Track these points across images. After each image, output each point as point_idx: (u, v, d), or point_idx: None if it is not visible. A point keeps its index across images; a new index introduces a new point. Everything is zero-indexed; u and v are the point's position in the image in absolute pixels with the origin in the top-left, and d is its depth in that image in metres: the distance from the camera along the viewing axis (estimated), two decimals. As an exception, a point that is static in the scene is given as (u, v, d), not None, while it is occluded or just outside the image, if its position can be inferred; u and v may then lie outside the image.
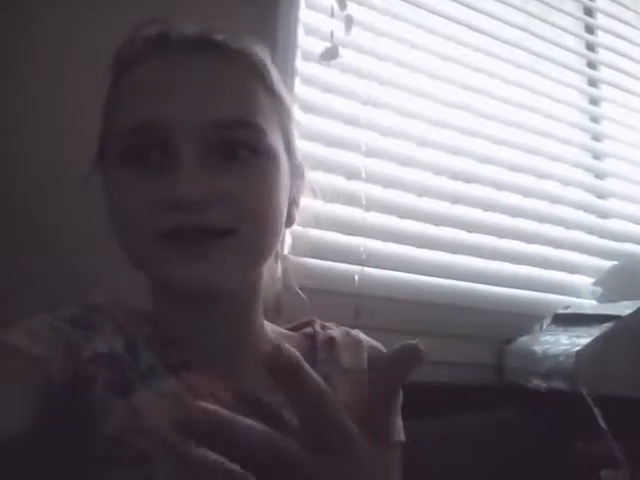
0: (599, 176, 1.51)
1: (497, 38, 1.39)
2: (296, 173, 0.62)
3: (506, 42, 1.40)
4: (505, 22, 1.42)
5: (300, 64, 1.08)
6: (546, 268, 1.32)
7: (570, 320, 1.15)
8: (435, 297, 1.14)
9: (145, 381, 0.52)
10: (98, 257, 0.72)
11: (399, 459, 0.63)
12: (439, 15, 1.31)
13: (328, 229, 1.05)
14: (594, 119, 1.55)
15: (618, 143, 1.55)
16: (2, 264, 0.76)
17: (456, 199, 1.22)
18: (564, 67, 1.50)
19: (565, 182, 1.41)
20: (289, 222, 0.63)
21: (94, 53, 0.57)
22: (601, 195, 1.49)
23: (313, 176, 1.05)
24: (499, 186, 1.30)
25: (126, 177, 0.52)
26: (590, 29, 1.63)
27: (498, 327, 1.18)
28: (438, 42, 1.29)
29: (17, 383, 0.46)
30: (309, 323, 0.68)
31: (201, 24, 0.56)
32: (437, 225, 1.19)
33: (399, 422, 0.64)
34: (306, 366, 0.32)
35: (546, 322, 1.18)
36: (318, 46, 1.09)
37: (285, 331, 0.68)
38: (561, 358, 1.03)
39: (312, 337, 0.65)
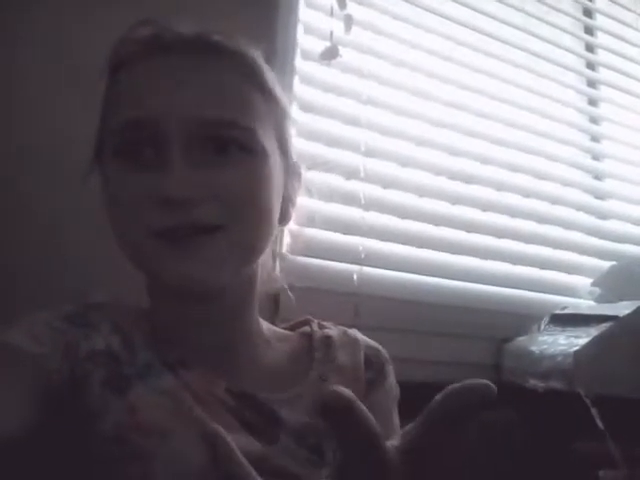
0: (598, 177, 1.51)
1: (496, 38, 1.39)
2: (292, 172, 0.62)
3: (505, 42, 1.41)
4: (504, 22, 1.42)
5: (299, 63, 1.08)
6: (545, 268, 1.32)
7: (568, 320, 1.15)
8: (434, 297, 1.14)
9: (142, 378, 0.52)
10: (98, 257, 0.72)
11: None
12: (439, 15, 1.31)
13: (327, 228, 1.06)
14: (593, 120, 1.55)
15: (617, 144, 1.56)
16: (2, 264, 0.76)
17: (455, 199, 1.23)
18: (563, 68, 1.51)
19: (564, 183, 1.41)
20: (285, 220, 0.63)
21: (94, 53, 0.57)
22: (600, 196, 1.49)
23: (312, 176, 1.06)
24: (498, 186, 1.30)
25: (119, 173, 0.52)
26: (589, 30, 1.63)
27: (496, 327, 1.18)
28: (437, 42, 1.29)
29: (17, 383, 0.47)
30: (306, 322, 0.68)
31: (196, 25, 0.56)
32: (436, 225, 1.19)
33: (397, 418, 0.65)
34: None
35: (544, 322, 1.18)
36: (317, 45, 1.09)
37: (281, 330, 0.68)
38: (559, 358, 1.03)
39: (309, 336, 0.65)
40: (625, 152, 1.55)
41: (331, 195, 1.07)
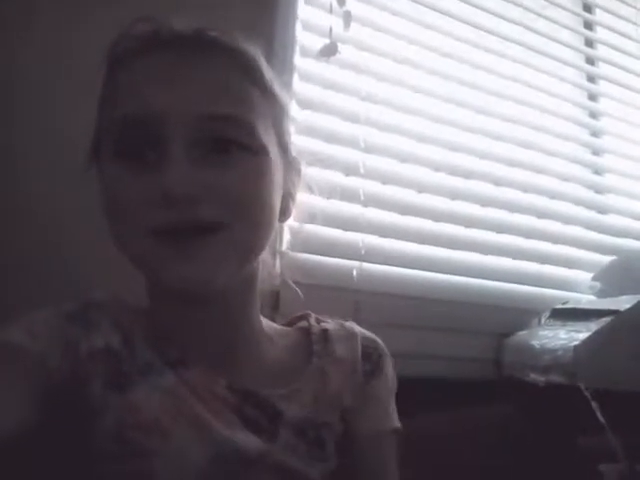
0: (598, 172, 1.51)
1: (495, 34, 1.39)
2: (291, 168, 0.62)
3: (504, 38, 1.41)
4: (503, 18, 1.42)
5: (298, 60, 1.08)
6: (545, 263, 1.32)
7: (568, 315, 1.15)
8: (434, 292, 1.14)
9: (143, 376, 0.52)
10: (98, 257, 0.73)
11: (394, 446, 0.64)
12: (438, 11, 1.31)
13: (327, 225, 1.06)
14: (593, 115, 1.55)
15: (617, 139, 1.55)
16: (2, 264, 0.76)
17: (454, 195, 1.23)
18: (563, 63, 1.50)
19: (564, 178, 1.41)
20: (285, 216, 0.63)
21: (94, 52, 0.57)
22: (600, 190, 1.49)
23: (311, 172, 1.06)
24: (498, 182, 1.30)
25: (118, 172, 0.51)
26: (589, 25, 1.63)
27: (497, 322, 1.18)
28: (437, 38, 1.29)
29: (17, 381, 0.47)
30: (304, 317, 0.69)
31: (194, 22, 0.55)
32: (436, 221, 1.19)
33: (394, 409, 0.66)
34: None
35: (544, 317, 1.19)
36: (316, 42, 1.09)
37: (281, 327, 0.68)
38: (559, 352, 1.03)
39: (306, 330, 0.65)
40: (625, 147, 1.55)
41: (331, 191, 1.06)
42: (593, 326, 1.05)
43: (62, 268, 0.78)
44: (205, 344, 0.57)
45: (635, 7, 1.69)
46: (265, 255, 0.64)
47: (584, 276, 1.35)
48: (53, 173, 0.80)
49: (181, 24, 0.55)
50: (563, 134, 1.45)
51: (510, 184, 1.32)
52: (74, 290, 0.60)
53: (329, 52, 1.08)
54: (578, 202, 1.42)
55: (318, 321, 0.67)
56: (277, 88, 0.59)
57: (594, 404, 0.94)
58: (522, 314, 1.20)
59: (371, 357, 0.65)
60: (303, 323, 0.67)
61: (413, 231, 1.16)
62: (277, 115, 0.59)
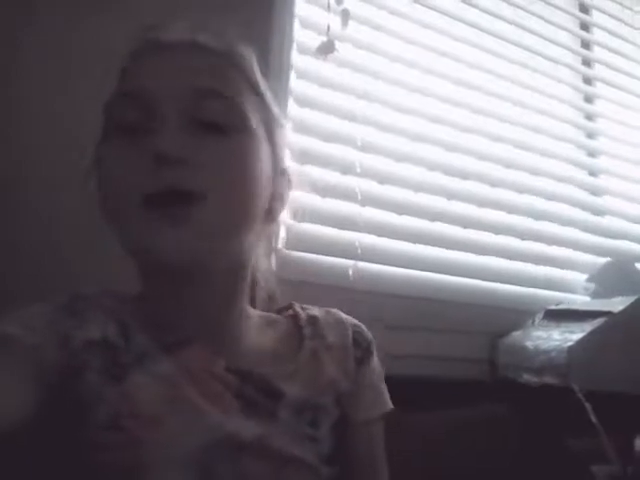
0: (593, 173, 1.52)
1: (493, 34, 1.39)
2: (282, 173, 0.63)
3: (502, 38, 1.41)
4: (501, 18, 1.42)
5: (296, 58, 1.08)
6: (539, 264, 1.32)
7: (562, 316, 1.16)
8: (429, 292, 1.14)
9: (138, 365, 0.53)
10: (98, 257, 0.73)
11: (382, 428, 0.66)
12: (435, 11, 1.31)
13: (323, 224, 1.06)
14: (589, 117, 1.56)
15: (612, 141, 1.56)
16: (2, 264, 0.76)
17: (451, 195, 1.23)
18: (559, 64, 1.51)
19: (559, 179, 1.42)
20: (271, 217, 0.63)
21: (94, 53, 0.58)
22: (595, 192, 1.50)
23: (308, 170, 1.06)
24: (494, 182, 1.30)
25: (111, 147, 0.53)
26: (585, 27, 1.63)
27: (491, 322, 1.18)
28: (434, 38, 1.29)
29: (12, 374, 0.47)
30: (289, 307, 0.69)
31: (191, 27, 0.58)
32: (432, 221, 1.19)
33: (385, 394, 0.67)
34: None
35: (538, 317, 1.19)
36: (314, 40, 1.09)
37: (268, 314, 0.68)
38: (553, 353, 1.04)
39: (294, 317, 0.66)
40: (620, 149, 1.56)
41: (327, 190, 1.07)
42: (587, 327, 1.06)
43: (62, 268, 0.77)
44: (199, 328, 0.57)
45: (631, 9, 1.70)
46: (260, 255, 0.65)
47: (578, 277, 1.36)
48: (53, 173, 0.80)
49: (176, 31, 0.57)
50: (559, 135, 1.45)
51: (506, 185, 1.32)
52: (71, 286, 0.60)
53: (326, 50, 1.08)
54: (573, 204, 1.43)
55: (303, 308, 0.68)
56: (269, 97, 0.61)
57: (587, 405, 0.95)
58: (516, 315, 1.21)
59: (360, 344, 0.66)
60: (289, 312, 0.68)
61: (409, 231, 1.16)
62: (269, 121, 0.60)
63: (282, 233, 0.99)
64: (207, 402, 0.53)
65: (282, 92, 1.03)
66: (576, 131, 1.52)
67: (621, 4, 1.68)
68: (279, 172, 0.62)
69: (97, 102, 0.58)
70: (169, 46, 0.56)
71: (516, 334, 1.16)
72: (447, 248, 1.20)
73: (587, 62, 1.61)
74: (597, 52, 1.63)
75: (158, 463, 0.49)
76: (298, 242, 1.02)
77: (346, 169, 1.10)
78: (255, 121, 0.57)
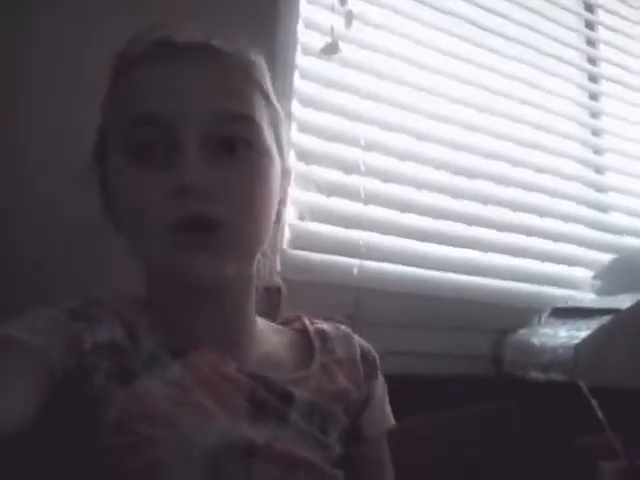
0: (599, 170, 1.52)
1: (497, 33, 1.39)
2: (285, 176, 0.64)
3: (507, 37, 1.41)
4: (505, 17, 1.42)
5: (300, 58, 1.08)
6: (546, 261, 1.32)
7: (569, 313, 1.15)
8: (435, 290, 1.14)
9: (147, 368, 0.53)
10: (98, 257, 0.73)
11: (387, 443, 0.68)
12: (439, 10, 1.31)
13: (327, 223, 1.06)
14: (594, 114, 1.55)
15: (618, 138, 1.55)
16: (2, 264, 0.76)
17: (455, 193, 1.23)
18: (564, 62, 1.51)
19: (565, 176, 1.41)
20: (276, 219, 0.64)
21: (95, 53, 0.58)
22: (601, 189, 1.50)
23: (312, 170, 1.06)
24: (499, 180, 1.30)
25: (133, 171, 0.53)
26: (590, 25, 1.63)
27: (497, 319, 1.18)
28: (438, 36, 1.29)
29: (20, 377, 0.47)
30: (297, 319, 0.70)
31: (202, 29, 0.58)
32: (436, 219, 1.19)
33: (388, 408, 0.68)
34: None
35: (545, 315, 1.19)
36: (318, 41, 1.09)
37: (275, 325, 0.69)
38: (560, 351, 1.04)
39: (303, 330, 0.67)
40: (625, 146, 1.55)
41: (331, 189, 1.07)
42: (593, 324, 1.06)
43: (62, 268, 0.77)
44: (210, 332, 0.58)
45: (636, 7, 1.69)
46: (263, 252, 0.66)
47: (585, 274, 1.35)
48: (53, 173, 0.80)
49: (188, 32, 0.57)
50: (564, 133, 1.45)
51: (511, 182, 1.32)
52: (74, 290, 0.61)
53: (331, 51, 1.09)
54: (579, 200, 1.43)
55: (312, 322, 0.69)
56: (273, 96, 0.62)
57: (594, 402, 0.95)
58: (523, 312, 1.20)
59: (367, 359, 0.67)
60: (297, 325, 0.69)
61: (413, 229, 1.16)
62: (276, 123, 0.61)
63: (286, 233, 1.00)
64: (217, 405, 0.53)
65: (286, 92, 1.03)
66: (581, 129, 1.52)
67: (625, 3, 1.68)
68: (284, 174, 0.63)
69: (98, 103, 0.59)
70: (183, 50, 0.55)
71: (523, 331, 1.16)
72: (452, 246, 1.20)
73: (592, 60, 1.60)
74: (602, 50, 1.62)
75: (169, 464, 0.50)
76: (302, 241, 1.02)
77: (350, 168, 1.11)
78: (268, 134, 0.58)
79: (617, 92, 1.59)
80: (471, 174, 1.26)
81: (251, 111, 0.56)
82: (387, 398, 0.69)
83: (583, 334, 1.04)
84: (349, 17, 1.12)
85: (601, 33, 1.64)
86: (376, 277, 1.08)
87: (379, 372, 0.68)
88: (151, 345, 0.55)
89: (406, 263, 1.13)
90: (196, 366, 0.55)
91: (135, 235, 0.56)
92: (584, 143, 1.51)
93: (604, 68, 1.61)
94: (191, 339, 0.56)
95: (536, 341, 1.10)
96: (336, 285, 1.02)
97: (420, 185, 1.19)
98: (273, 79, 0.63)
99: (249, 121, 0.56)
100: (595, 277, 1.32)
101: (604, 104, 1.58)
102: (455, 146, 1.25)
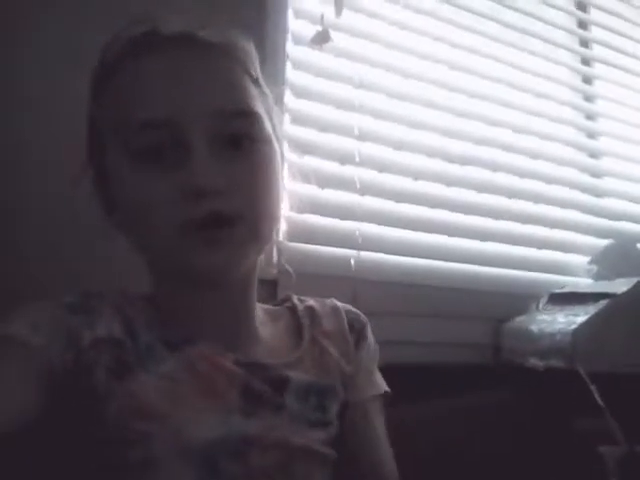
0: (593, 155, 1.51)
1: (489, 18, 1.38)
2: (281, 155, 0.64)
3: (498, 22, 1.39)
4: (496, 1, 1.40)
5: (291, 48, 1.07)
6: (542, 248, 1.32)
7: (566, 299, 1.16)
8: (432, 279, 1.14)
9: (144, 362, 0.54)
10: (98, 257, 0.73)
11: (381, 409, 0.68)
12: (430, -4, 1.30)
13: (323, 214, 1.06)
14: (588, 98, 1.55)
15: (612, 122, 1.55)
16: (2, 264, 0.76)
17: (450, 181, 1.22)
18: (557, 46, 1.50)
19: (560, 162, 1.41)
20: None
21: (96, 53, 0.57)
22: (596, 174, 1.49)
23: (307, 161, 1.06)
24: (493, 167, 1.30)
25: (140, 173, 0.53)
26: (582, 6, 1.62)
27: (495, 307, 1.18)
28: (429, 23, 1.28)
29: (20, 374, 0.47)
30: (287, 298, 0.72)
31: (187, 19, 0.57)
32: (432, 208, 1.19)
33: (378, 377, 0.69)
34: None
35: (542, 301, 1.19)
36: (308, 30, 1.08)
37: (269, 306, 0.70)
38: (558, 337, 1.04)
39: (292, 308, 0.69)
40: (620, 130, 1.55)
41: (326, 181, 1.06)
42: (591, 310, 1.06)
43: (62, 268, 0.77)
44: (212, 326, 0.59)
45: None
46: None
47: (581, 260, 1.35)
48: (53, 173, 0.80)
49: (174, 23, 0.56)
50: (558, 118, 1.44)
51: (506, 169, 1.32)
52: (74, 287, 0.60)
53: (321, 40, 1.07)
54: (574, 186, 1.42)
55: (301, 300, 0.71)
56: (263, 82, 0.62)
57: (593, 387, 0.95)
58: (520, 299, 1.21)
59: (355, 328, 0.69)
60: (288, 304, 0.71)
61: (410, 219, 1.16)
62: (268, 106, 0.61)
63: (283, 225, 0.99)
64: (211, 398, 0.54)
65: (279, 83, 1.02)
66: (575, 113, 1.51)
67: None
68: (282, 157, 0.64)
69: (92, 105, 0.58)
70: (172, 43, 0.55)
71: (520, 318, 1.16)
72: (448, 235, 1.20)
73: (585, 43, 1.59)
74: (594, 32, 1.61)
75: (164, 460, 0.50)
76: (298, 233, 1.02)
77: (345, 159, 1.10)
78: (267, 122, 0.59)
79: (610, 75, 1.58)
80: (466, 162, 1.25)
81: (251, 104, 0.56)
82: (376, 365, 0.69)
83: (581, 319, 1.04)
84: (339, 5, 1.11)
85: (593, 14, 1.62)
86: (373, 267, 1.08)
87: (368, 337, 0.69)
88: (149, 339, 0.55)
89: (403, 253, 1.13)
90: (191, 360, 0.55)
91: (145, 236, 0.56)
92: (578, 127, 1.51)
93: (597, 51, 1.60)
94: (193, 333, 0.57)
95: (534, 328, 1.10)
96: (333, 276, 1.02)
97: (415, 174, 1.19)
98: (264, 69, 0.63)
99: (251, 115, 0.56)
100: (591, 262, 1.33)
101: (598, 87, 1.57)
102: (449, 134, 1.24)
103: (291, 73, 1.07)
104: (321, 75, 1.11)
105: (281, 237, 0.99)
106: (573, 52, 1.56)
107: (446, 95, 1.26)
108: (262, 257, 0.68)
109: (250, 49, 0.60)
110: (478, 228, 1.24)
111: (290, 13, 1.08)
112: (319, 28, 1.08)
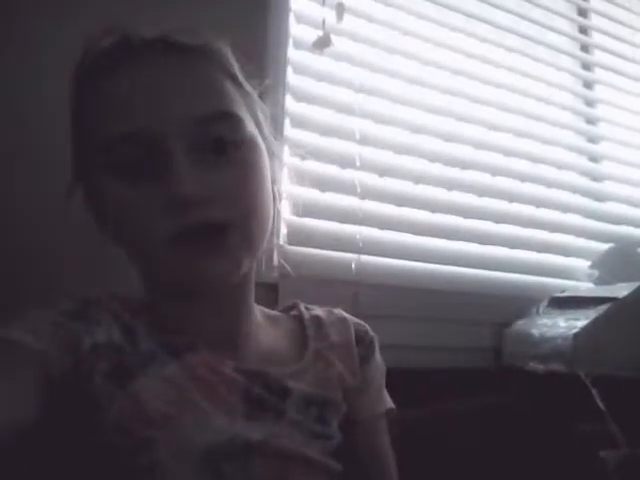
0: (594, 159, 1.52)
1: (490, 23, 1.39)
2: (271, 153, 0.63)
3: (499, 27, 1.40)
4: (497, 7, 1.41)
5: (292, 53, 1.08)
6: (542, 252, 1.32)
7: (567, 303, 1.15)
8: (432, 283, 1.14)
9: (145, 368, 0.53)
10: (97, 257, 0.73)
11: (386, 426, 0.68)
12: (431, 1, 1.30)
13: (324, 218, 1.06)
14: (588, 103, 1.55)
15: (612, 126, 1.55)
16: (2, 264, 0.76)
17: (451, 185, 1.23)
18: (558, 51, 1.50)
19: (561, 166, 1.41)
20: (276, 201, 0.64)
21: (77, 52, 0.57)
22: (596, 178, 1.49)
23: (307, 165, 1.06)
24: (494, 171, 1.30)
25: (122, 187, 0.52)
26: (583, 12, 1.62)
27: (496, 311, 1.18)
28: (431, 28, 1.28)
29: (19, 379, 0.47)
30: (294, 306, 0.71)
31: (158, 25, 0.56)
32: (433, 212, 1.19)
33: (386, 392, 0.69)
34: None
35: (543, 305, 1.19)
36: (310, 34, 1.09)
37: (274, 313, 0.70)
38: (559, 341, 1.04)
39: (299, 317, 0.68)
40: (621, 134, 1.55)
41: (327, 184, 1.07)
42: (592, 314, 1.06)
43: (60, 269, 0.77)
44: (210, 331, 0.58)
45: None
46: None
47: (582, 264, 1.35)
48: (53, 174, 0.80)
49: (145, 31, 0.55)
50: (559, 122, 1.44)
51: (507, 173, 1.32)
52: (73, 290, 0.60)
53: (322, 44, 1.08)
54: (575, 190, 1.43)
55: (307, 309, 0.70)
56: (242, 77, 0.60)
57: (594, 391, 0.95)
58: (521, 303, 1.20)
59: (363, 341, 0.68)
60: (294, 312, 0.70)
61: (410, 222, 1.16)
62: (250, 104, 0.60)
63: (283, 229, 1.00)
64: (213, 404, 0.54)
65: (279, 87, 1.03)
66: (576, 117, 1.52)
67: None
68: (270, 155, 0.62)
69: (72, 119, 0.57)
70: (146, 51, 0.54)
71: (521, 322, 1.16)
72: (449, 239, 1.20)
73: (585, 48, 1.60)
74: (595, 37, 1.62)
75: (166, 465, 0.50)
76: (299, 237, 1.02)
77: (345, 163, 1.10)
78: (249, 122, 0.57)
79: (611, 80, 1.58)
80: (466, 166, 1.26)
81: (230, 105, 0.55)
82: (384, 381, 0.69)
83: (581, 323, 1.04)
84: (340, 10, 1.11)
85: (594, 20, 1.63)
86: (374, 271, 1.08)
87: (376, 353, 0.69)
88: (149, 345, 0.55)
89: (404, 257, 1.13)
90: (192, 366, 0.55)
91: (136, 249, 0.55)
92: (579, 132, 1.51)
93: (598, 56, 1.61)
94: (191, 339, 0.56)
95: (535, 332, 1.10)
96: (334, 280, 1.02)
97: (416, 178, 1.19)
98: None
99: (231, 117, 0.55)
100: (591, 266, 1.33)
101: (598, 92, 1.57)
102: (450, 138, 1.25)
103: (292, 77, 1.07)
104: (322, 79, 1.12)
105: (282, 241, 0.99)
106: (574, 57, 1.56)
107: (447, 99, 1.27)
108: (262, 261, 0.68)
109: (225, 49, 0.58)
110: (479, 232, 1.24)
111: (291, 18, 1.09)
112: (320, 33, 1.08)
